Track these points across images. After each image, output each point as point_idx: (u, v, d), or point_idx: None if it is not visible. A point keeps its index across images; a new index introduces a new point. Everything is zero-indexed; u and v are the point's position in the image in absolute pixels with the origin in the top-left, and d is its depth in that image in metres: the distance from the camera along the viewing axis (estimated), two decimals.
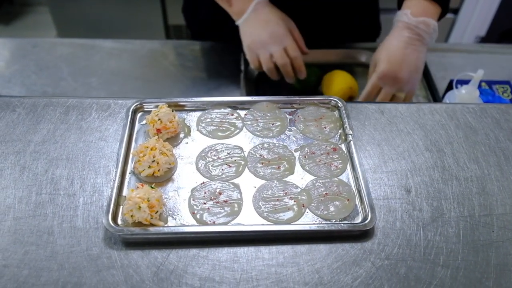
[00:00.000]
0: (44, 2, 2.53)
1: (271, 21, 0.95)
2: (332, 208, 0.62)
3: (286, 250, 0.58)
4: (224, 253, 0.57)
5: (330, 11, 1.16)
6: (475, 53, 1.34)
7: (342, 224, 0.60)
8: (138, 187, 0.60)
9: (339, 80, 1.11)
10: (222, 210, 0.61)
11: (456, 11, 2.44)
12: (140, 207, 0.57)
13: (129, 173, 0.65)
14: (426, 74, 1.18)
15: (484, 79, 1.17)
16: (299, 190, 0.63)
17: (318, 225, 0.60)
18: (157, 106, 0.71)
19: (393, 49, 0.89)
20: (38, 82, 1.17)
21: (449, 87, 1.09)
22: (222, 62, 1.19)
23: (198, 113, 0.73)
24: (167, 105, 0.70)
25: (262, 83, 1.12)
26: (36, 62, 1.24)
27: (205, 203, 0.61)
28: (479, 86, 1.05)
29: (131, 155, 0.66)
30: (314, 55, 1.20)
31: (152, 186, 0.60)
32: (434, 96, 1.11)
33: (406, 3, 0.92)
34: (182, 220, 0.60)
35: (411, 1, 0.91)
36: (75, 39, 1.33)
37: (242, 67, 1.11)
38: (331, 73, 1.12)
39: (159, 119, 0.67)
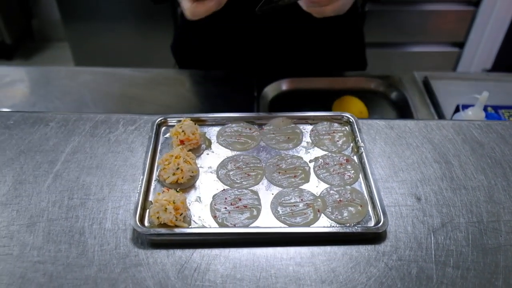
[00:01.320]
0: (64, 37, 2.65)
1: None
2: (346, 214, 0.65)
3: (303, 251, 0.61)
4: (244, 254, 0.61)
5: (315, 44, 1.22)
6: (481, 81, 1.39)
7: (356, 228, 0.63)
8: (164, 191, 0.64)
9: (350, 105, 1.16)
10: (242, 215, 0.65)
11: (461, 45, 2.51)
12: (166, 208, 0.61)
13: (155, 181, 0.69)
14: (434, 100, 1.23)
15: (490, 104, 1.21)
16: (314, 197, 0.67)
17: (334, 228, 0.63)
18: (180, 121, 0.76)
19: None
20: (62, 107, 1.23)
21: (456, 111, 1.13)
22: (236, 90, 1.25)
23: (218, 128, 0.78)
24: (189, 119, 0.75)
25: (276, 109, 1.17)
26: (60, 88, 1.30)
27: (225, 208, 0.65)
28: (485, 110, 1.09)
29: (156, 165, 0.71)
30: (325, 82, 1.26)
31: (177, 190, 0.64)
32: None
33: None
34: (205, 223, 0.64)
35: None
36: (96, 68, 1.40)
37: (256, 93, 1.16)
38: (342, 99, 1.17)
39: (182, 131, 0.72)
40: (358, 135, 0.76)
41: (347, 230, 0.62)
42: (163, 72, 1.34)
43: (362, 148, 0.73)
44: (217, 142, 0.76)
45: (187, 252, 0.61)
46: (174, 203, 0.61)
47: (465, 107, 1.08)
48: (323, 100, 1.21)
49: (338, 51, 1.28)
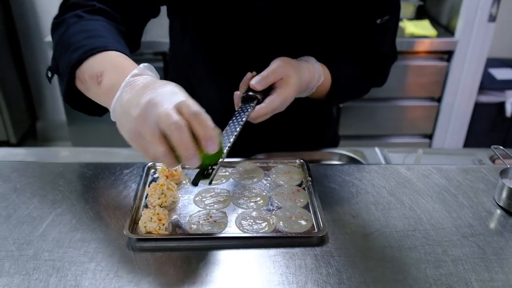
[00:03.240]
0: (66, 138, 2.85)
1: (151, 84, 0.70)
2: (295, 226, 0.82)
3: (260, 252, 0.77)
4: (214, 255, 0.77)
5: (287, 125, 1.26)
6: (436, 154, 1.62)
7: (302, 233, 0.80)
8: (150, 207, 0.81)
9: None
10: (212, 227, 0.81)
11: (430, 136, 2.79)
12: (151, 218, 0.78)
13: (143, 206, 0.87)
14: None
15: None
16: (270, 214, 0.85)
17: (285, 233, 0.80)
18: None
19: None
20: None
21: None
22: None
23: (196, 170, 0.97)
24: None
25: None
26: None
27: (199, 222, 0.82)
28: None
29: (145, 193, 0.89)
30: (295, 155, 1.46)
31: (161, 206, 0.82)
32: None
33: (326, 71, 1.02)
34: (182, 233, 0.80)
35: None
36: (96, 148, 1.61)
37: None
38: None
39: (167, 168, 0.91)
40: (308, 173, 0.95)
41: (295, 235, 0.79)
42: None
43: (310, 182, 0.93)
44: None
45: (167, 254, 0.77)
46: (158, 214, 0.79)
47: None
48: None
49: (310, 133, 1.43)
